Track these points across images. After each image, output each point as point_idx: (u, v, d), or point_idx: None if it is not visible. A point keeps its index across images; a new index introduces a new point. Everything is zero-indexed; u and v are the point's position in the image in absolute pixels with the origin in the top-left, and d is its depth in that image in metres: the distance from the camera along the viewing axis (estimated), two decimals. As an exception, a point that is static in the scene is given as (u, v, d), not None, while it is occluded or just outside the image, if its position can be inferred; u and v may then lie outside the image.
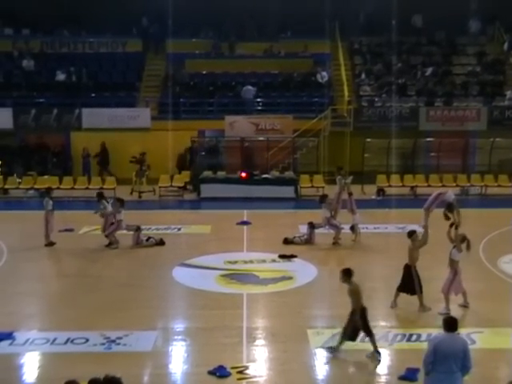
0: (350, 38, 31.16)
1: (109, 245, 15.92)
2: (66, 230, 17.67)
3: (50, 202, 16.06)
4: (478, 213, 20.58)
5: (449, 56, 30.59)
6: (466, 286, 12.91)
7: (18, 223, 19.34)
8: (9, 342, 10.03)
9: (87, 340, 10.04)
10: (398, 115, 26.47)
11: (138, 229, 16.12)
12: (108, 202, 16.46)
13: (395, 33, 29.45)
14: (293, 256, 14.75)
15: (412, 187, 23.62)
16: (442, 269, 14.17)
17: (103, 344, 9.92)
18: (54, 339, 10.10)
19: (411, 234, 11.97)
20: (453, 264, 11.50)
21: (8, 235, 16.99)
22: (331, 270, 14.17)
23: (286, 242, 15.83)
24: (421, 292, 11.54)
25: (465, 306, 11.52)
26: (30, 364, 9.48)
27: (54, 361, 9.51)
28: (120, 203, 16.34)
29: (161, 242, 16.04)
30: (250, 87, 27.81)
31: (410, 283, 11.55)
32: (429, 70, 29.44)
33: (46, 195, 16.41)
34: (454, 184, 23.50)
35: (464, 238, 11.62)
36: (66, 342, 9.99)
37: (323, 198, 16.71)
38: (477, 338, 10.06)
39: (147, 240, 16.00)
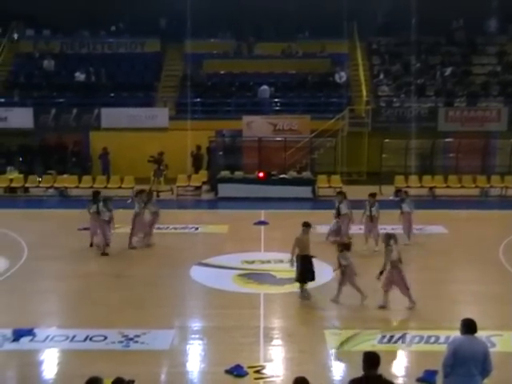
0: (368, 38, 31.03)
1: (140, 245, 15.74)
2: (85, 229, 17.77)
3: (94, 206, 15.50)
4: (498, 214, 20.41)
5: (468, 56, 30.31)
6: (486, 288, 12.83)
7: (38, 221, 19.53)
8: (29, 338, 10.14)
9: (106, 338, 10.12)
10: (417, 116, 26.30)
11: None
12: (144, 202, 16.22)
13: (414, 32, 29.29)
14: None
15: (430, 188, 23.43)
16: (458, 271, 14.12)
17: (121, 342, 9.99)
18: (74, 336, 10.19)
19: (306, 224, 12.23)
20: (394, 264, 11.30)
21: (28, 233, 17.17)
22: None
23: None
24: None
25: (383, 306, 11.42)
26: (50, 360, 9.59)
27: (73, 358, 9.60)
28: (147, 197, 16.36)
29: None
30: (265, 87, 27.83)
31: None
32: (448, 70, 29.21)
33: (94, 199, 15.64)
34: (474, 185, 23.30)
35: (389, 237, 11.69)
36: (84, 340, 10.08)
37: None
38: (496, 341, 9.95)
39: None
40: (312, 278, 12.11)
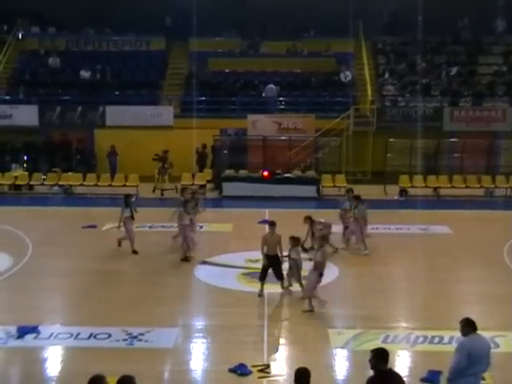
0: (374, 37, 30.96)
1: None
2: (90, 227, 17.87)
3: (128, 210, 15.06)
4: (502, 215, 20.36)
5: (474, 55, 30.19)
6: (490, 288, 12.82)
7: (42, 219, 19.58)
8: (33, 335, 10.19)
9: (110, 335, 10.15)
10: (422, 115, 26.22)
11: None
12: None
13: (419, 32, 29.22)
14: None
15: (435, 188, 23.39)
16: (462, 271, 14.11)
17: (125, 340, 10.02)
18: (78, 334, 10.23)
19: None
20: (317, 265, 11.28)
21: (33, 231, 17.22)
22: (353, 270, 14.15)
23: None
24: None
25: (310, 310, 11.28)
26: (54, 358, 9.63)
27: (77, 355, 9.63)
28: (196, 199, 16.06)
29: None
30: (272, 86, 27.81)
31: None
32: (453, 70, 29.13)
33: (127, 203, 15.20)
34: (479, 185, 23.25)
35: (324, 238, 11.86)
36: (89, 337, 10.12)
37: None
38: (500, 341, 9.94)
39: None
40: (263, 278, 11.99)
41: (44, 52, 30.55)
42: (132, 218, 15.10)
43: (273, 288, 12.46)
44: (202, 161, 25.74)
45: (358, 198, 15.71)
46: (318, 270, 11.26)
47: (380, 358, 6.43)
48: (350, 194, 16.11)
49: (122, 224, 15.10)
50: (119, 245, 15.36)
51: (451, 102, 27.26)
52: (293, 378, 6.30)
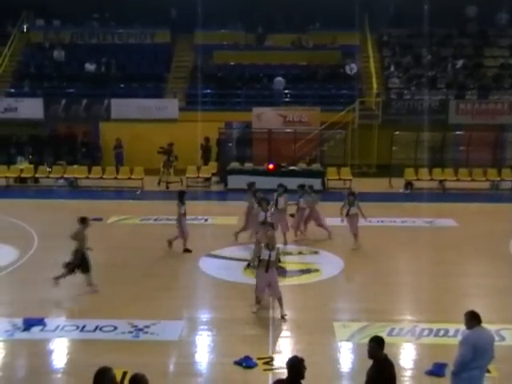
0: (379, 29, 30.79)
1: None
2: (95, 220, 17.82)
3: (183, 207, 14.75)
4: (508, 208, 20.29)
5: (480, 48, 30.01)
6: (495, 281, 12.82)
7: (47, 211, 19.64)
8: (40, 327, 10.25)
9: (115, 328, 10.19)
10: (427, 108, 26.10)
11: None
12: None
13: (425, 24, 29.05)
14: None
15: (440, 181, 23.33)
16: (468, 264, 14.07)
17: (131, 332, 10.07)
18: (84, 326, 10.28)
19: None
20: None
21: (38, 223, 17.28)
22: (358, 262, 14.15)
23: None
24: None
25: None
26: (60, 350, 9.68)
27: (82, 347, 9.68)
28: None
29: None
30: (280, 78, 27.73)
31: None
32: (459, 63, 28.96)
33: (182, 200, 14.78)
34: (484, 178, 23.18)
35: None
36: (94, 330, 10.16)
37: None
38: (506, 334, 9.93)
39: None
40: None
41: (49, 45, 30.51)
42: (184, 214, 14.74)
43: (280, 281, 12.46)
44: (207, 154, 25.72)
45: (353, 194, 15.70)
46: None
47: (381, 345, 6.58)
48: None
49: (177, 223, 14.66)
50: (170, 245, 14.83)
51: (457, 95, 27.11)
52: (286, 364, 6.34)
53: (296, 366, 6.22)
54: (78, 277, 13.00)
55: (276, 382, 6.48)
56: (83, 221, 12.43)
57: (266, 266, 10.64)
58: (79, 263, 11.97)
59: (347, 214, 15.04)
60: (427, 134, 24.56)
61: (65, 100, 27.09)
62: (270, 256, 10.63)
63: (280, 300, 10.74)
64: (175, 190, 22.68)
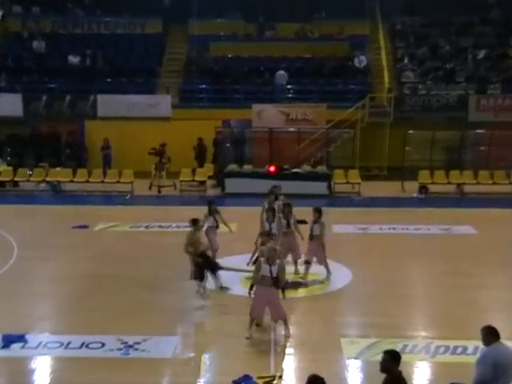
0: (392, 18, 30.96)
1: None
2: (80, 227, 18.04)
3: (211, 218, 14.40)
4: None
5: (504, 37, 30.03)
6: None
7: (28, 218, 19.77)
8: (20, 344, 10.33)
9: (103, 344, 10.30)
10: (445, 104, 26.27)
11: None
12: None
13: (443, 11, 29.19)
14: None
15: (458, 184, 23.46)
16: (488, 276, 14.16)
17: (120, 349, 10.17)
18: (68, 343, 10.38)
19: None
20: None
21: (18, 230, 17.41)
22: (367, 273, 14.25)
23: None
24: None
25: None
26: (43, 369, 9.78)
27: (67, 366, 9.77)
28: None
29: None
30: (282, 72, 27.89)
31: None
32: (481, 54, 29.06)
33: (210, 210, 14.46)
34: (507, 181, 23.30)
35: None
36: (80, 347, 10.26)
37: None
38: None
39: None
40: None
41: (28, 35, 30.62)
42: (216, 227, 14.34)
43: (280, 294, 12.57)
44: (202, 154, 25.73)
45: (318, 209, 13.87)
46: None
47: (396, 360, 6.71)
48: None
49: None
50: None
51: (478, 90, 27.21)
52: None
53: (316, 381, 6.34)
54: (63, 289, 13.15)
55: None
56: (194, 222, 12.59)
57: (266, 283, 10.47)
58: (206, 265, 12.17)
59: (311, 237, 13.60)
60: (444, 133, 24.70)
61: (46, 96, 27.24)
62: (270, 272, 10.44)
63: (285, 321, 10.68)
64: (168, 195, 23.00)
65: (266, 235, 12.89)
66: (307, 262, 13.62)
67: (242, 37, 30.69)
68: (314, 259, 13.74)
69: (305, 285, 13.38)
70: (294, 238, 13.89)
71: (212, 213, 14.46)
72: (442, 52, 29.20)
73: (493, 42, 29.79)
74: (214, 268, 12.82)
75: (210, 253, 13.67)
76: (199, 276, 12.36)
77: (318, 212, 13.69)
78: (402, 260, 15.27)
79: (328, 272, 13.71)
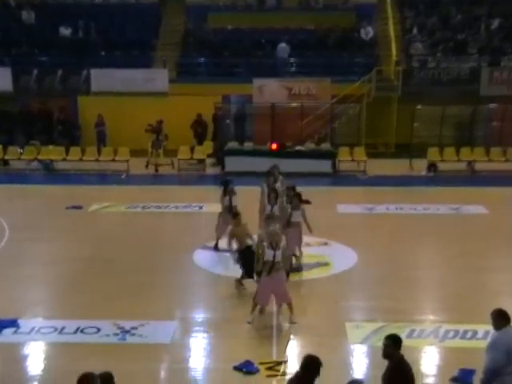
0: (400, -14, 30.71)
1: None
2: (74, 208, 18.06)
3: (227, 198, 14.25)
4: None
5: (520, 5, 29.82)
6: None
7: (20, 199, 19.81)
8: (12, 330, 10.39)
9: (99, 330, 10.35)
10: (456, 78, 26.14)
11: None
12: None
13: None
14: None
15: (469, 162, 23.42)
16: (499, 257, 14.19)
17: (117, 334, 10.22)
18: (62, 328, 10.43)
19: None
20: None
21: (9, 212, 17.43)
22: (373, 255, 14.28)
23: None
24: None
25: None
26: (36, 355, 9.84)
27: (61, 352, 9.85)
28: None
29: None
30: (284, 45, 27.73)
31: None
32: (495, 23, 28.84)
33: (226, 189, 14.34)
34: (520, 159, 23.25)
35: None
36: (75, 332, 10.31)
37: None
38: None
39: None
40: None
41: (16, 5, 30.42)
42: (229, 209, 13.87)
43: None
44: (201, 131, 25.67)
45: (297, 194, 13.40)
46: None
47: (397, 345, 6.78)
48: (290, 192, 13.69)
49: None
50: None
51: (491, 62, 27.04)
52: (300, 364, 6.58)
53: (312, 362, 6.48)
54: (56, 272, 13.19)
55: (291, 381, 6.65)
56: (235, 216, 12.44)
57: (270, 269, 10.42)
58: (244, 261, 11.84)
59: (287, 224, 12.81)
60: (454, 108, 24.60)
61: (37, 70, 27.11)
62: (274, 256, 10.39)
63: (290, 305, 10.68)
64: (165, 174, 22.98)
65: (270, 218, 12.57)
66: (293, 255, 13.15)
67: (242, 7, 30.49)
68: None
69: (308, 268, 13.39)
70: (300, 232, 13.16)
71: (228, 193, 14.28)
72: (454, 22, 28.96)
73: (507, 11, 29.48)
74: (248, 270, 11.72)
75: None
76: (246, 274, 11.79)
77: (296, 195, 13.21)
78: (409, 241, 15.28)
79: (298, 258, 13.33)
